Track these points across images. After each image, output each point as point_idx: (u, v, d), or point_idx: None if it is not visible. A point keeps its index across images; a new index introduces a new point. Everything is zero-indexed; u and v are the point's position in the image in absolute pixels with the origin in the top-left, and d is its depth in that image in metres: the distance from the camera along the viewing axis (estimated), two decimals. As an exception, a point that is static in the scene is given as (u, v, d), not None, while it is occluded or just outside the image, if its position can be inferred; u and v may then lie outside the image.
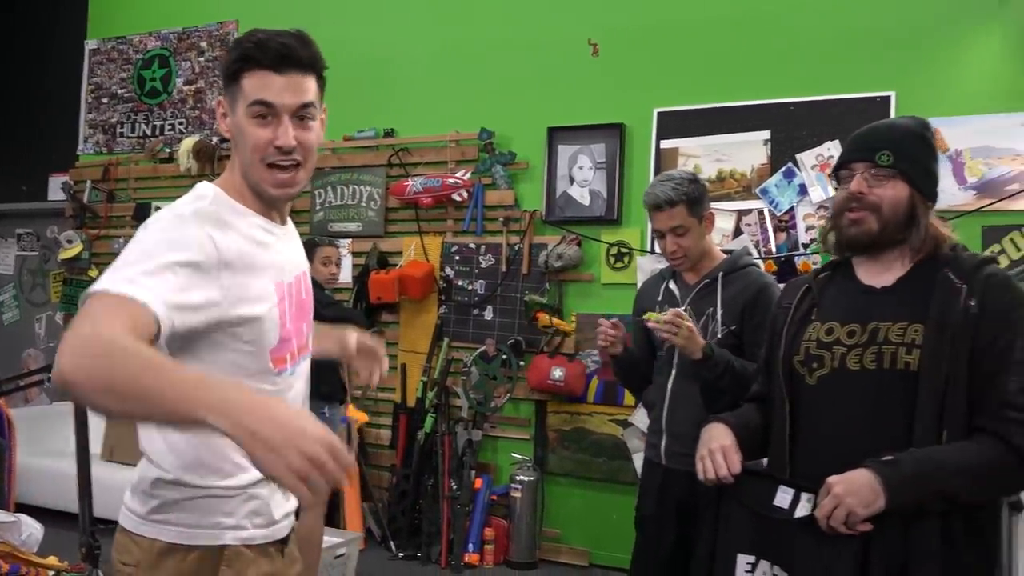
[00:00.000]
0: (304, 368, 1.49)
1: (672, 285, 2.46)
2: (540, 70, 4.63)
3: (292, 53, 1.32)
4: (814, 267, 3.88)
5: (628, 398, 4.23)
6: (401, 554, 4.36)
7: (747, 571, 1.60)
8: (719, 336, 2.30)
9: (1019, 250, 3.58)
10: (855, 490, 1.44)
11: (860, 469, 1.46)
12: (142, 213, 5.68)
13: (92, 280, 6.03)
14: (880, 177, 1.60)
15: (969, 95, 3.75)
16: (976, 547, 1.50)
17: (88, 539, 1.71)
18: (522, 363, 4.45)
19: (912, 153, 1.62)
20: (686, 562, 2.27)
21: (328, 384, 3.68)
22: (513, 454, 4.43)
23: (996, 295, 1.51)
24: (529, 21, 4.70)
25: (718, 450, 1.64)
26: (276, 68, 1.31)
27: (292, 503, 1.49)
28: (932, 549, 1.45)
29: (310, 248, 3.68)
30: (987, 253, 3.57)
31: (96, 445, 4.30)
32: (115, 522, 1.39)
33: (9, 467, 3.73)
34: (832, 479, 1.47)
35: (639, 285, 4.20)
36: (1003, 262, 3.59)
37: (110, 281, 1.15)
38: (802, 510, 1.54)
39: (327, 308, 3.54)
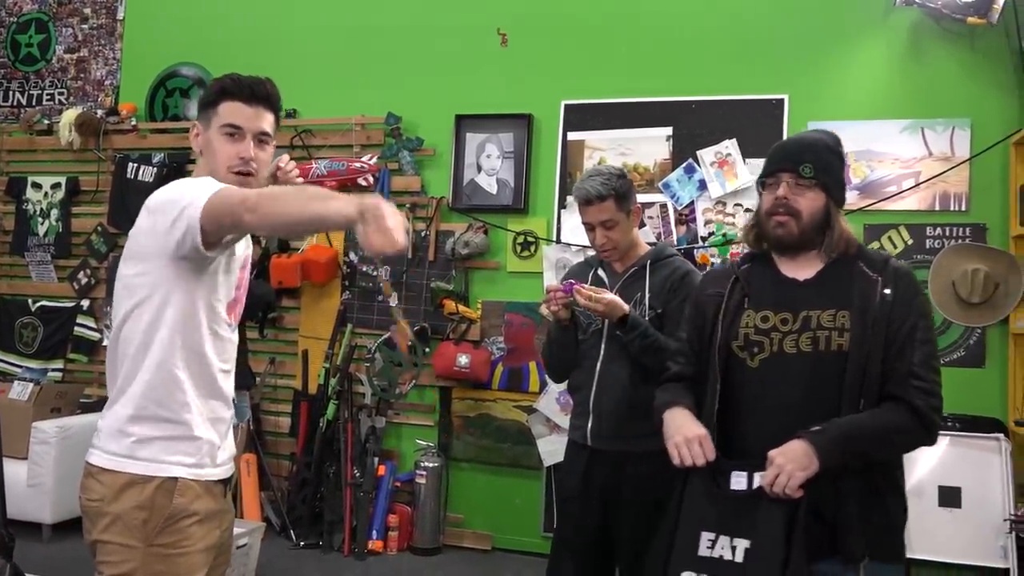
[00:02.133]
0: (236, 337, 1.81)
1: (601, 272, 2.55)
2: (449, 57, 4.63)
3: (260, 91, 1.73)
4: (717, 261, 4.07)
5: (533, 384, 4.32)
6: (302, 543, 4.29)
7: (708, 547, 1.74)
8: (647, 319, 2.39)
9: (895, 247, 3.87)
10: (793, 458, 1.65)
11: (794, 440, 1.67)
12: (16, 188, 5.30)
13: (-42, 258, 5.51)
14: (803, 186, 1.83)
15: (855, 101, 4.02)
16: (894, 494, 1.76)
17: (2, 531, 1.62)
18: (428, 350, 4.45)
19: (830, 166, 1.86)
20: (610, 544, 2.36)
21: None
22: (418, 440, 4.43)
23: (904, 284, 1.79)
24: (438, 7, 4.67)
25: (695, 439, 1.76)
26: (247, 100, 1.71)
27: (229, 451, 1.77)
28: (856, 490, 1.69)
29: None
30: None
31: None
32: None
33: None
34: (772, 452, 1.67)
35: (545, 274, 4.34)
36: (882, 258, 3.89)
37: (206, 192, 1.52)
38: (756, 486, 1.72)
39: None
